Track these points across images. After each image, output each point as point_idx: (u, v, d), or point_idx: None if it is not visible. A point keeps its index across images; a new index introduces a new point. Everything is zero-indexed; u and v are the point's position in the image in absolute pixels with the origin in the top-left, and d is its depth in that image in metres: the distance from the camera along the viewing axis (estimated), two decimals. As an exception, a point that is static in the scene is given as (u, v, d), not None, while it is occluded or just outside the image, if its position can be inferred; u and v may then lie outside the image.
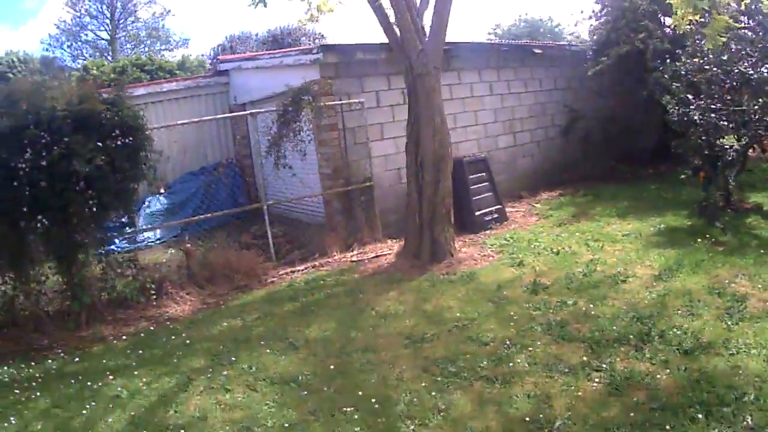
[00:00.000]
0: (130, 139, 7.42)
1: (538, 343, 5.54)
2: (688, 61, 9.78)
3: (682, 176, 9.72)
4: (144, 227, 11.42)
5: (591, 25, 14.21)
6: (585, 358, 5.13)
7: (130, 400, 5.27)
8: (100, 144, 7.08)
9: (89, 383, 5.66)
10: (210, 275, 8.35)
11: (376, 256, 8.85)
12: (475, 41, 12.97)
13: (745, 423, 3.98)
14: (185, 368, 5.84)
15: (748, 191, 10.23)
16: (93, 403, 5.24)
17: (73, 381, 5.76)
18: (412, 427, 4.42)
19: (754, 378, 4.49)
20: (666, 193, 11.22)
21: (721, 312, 5.78)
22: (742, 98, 9.13)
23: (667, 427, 4.04)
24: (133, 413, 5.03)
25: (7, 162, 6.64)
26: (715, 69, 9.27)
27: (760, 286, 6.33)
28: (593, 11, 14.04)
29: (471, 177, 9.98)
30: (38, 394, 5.54)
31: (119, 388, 5.48)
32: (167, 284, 8.08)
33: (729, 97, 9.16)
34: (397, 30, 8.32)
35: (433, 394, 4.84)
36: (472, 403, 4.66)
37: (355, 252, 9.17)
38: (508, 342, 5.60)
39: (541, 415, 4.37)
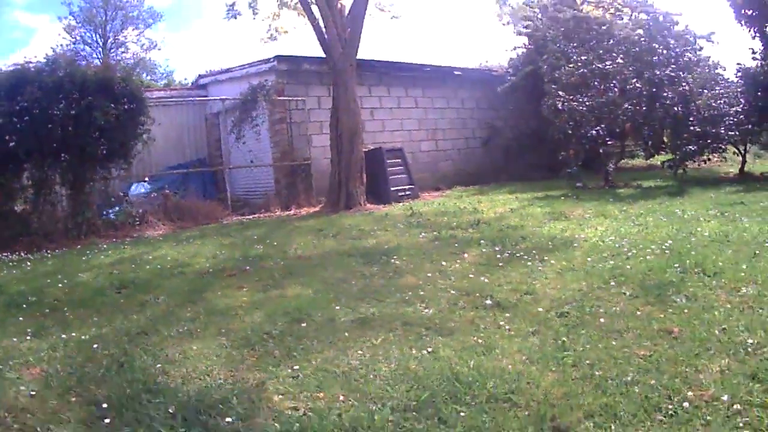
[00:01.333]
0: (134, 105, 9.83)
1: (397, 228, 7.74)
2: (566, 67, 12.33)
3: (560, 156, 11.99)
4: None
5: (512, 55, 16.86)
6: (425, 233, 7.30)
7: (115, 255, 7.52)
8: (113, 105, 9.39)
9: (87, 252, 7.89)
10: (181, 214, 10.70)
11: (308, 212, 11.04)
12: (402, 61, 15.41)
13: (516, 246, 5.96)
14: (156, 246, 8.01)
15: (640, 180, 12.27)
16: (88, 256, 7.47)
17: (74, 253, 7.97)
18: (293, 249, 6.69)
19: (545, 235, 6.54)
20: (558, 184, 12.89)
21: (545, 220, 7.86)
22: (605, 92, 11.60)
23: (457, 245, 6.19)
24: (117, 257, 7.29)
25: (47, 109, 8.88)
26: (583, 71, 11.82)
27: (589, 211, 8.31)
28: (521, 44, 16.65)
29: (388, 161, 12.24)
30: (48, 257, 7.81)
31: (108, 253, 7.70)
32: (148, 216, 10.39)
33: (600, 92, 11.59)
34: (325, 34, 10.79)
35: (315, 242, 7.10)
36: (336, 243, 6.92)
37: (292, 210, 11.37)
38: (376, 228, 7.81)
39: (378, 245, 6.55)
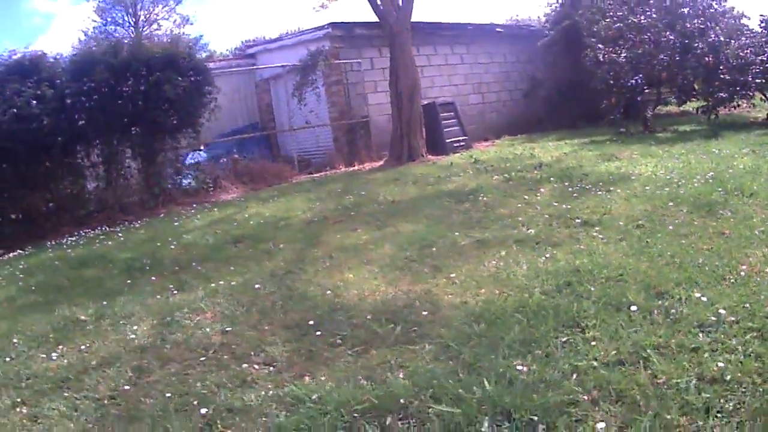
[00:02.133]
0: (199, 77, 10.64)
1: (467, 174, 8.83)
2: (603, 22, 13.11)
3: (603, 104, 12.87)
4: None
5: (548, 9, 17.56)
6: (495, 176, 8.37)
7: (207, 217, 8.39)
8: (180, 78, 10.20)
9: (175, 218, 8.75)
10: (250, 177, 11.65)
11: (371, 166, 12.12)
12: (447, 21, 16.29)
13: (582, 181, 7.00)
14: (243, 207, 8.99)
15: (676, 125, 13.06)
16: (180, 222, 8.35)
17: (162, 221, 8.80)
18: (382, 196, 7.79)
19: (601, 172, 7.60)
20: (607, 130, 13.48)
21: (599, 160, 8.86)
22: (641, 44, 12.38)
23: (530, 184, 7.23)
24: (210, 219, 8.20)
25: (115, 87, 9.68)
26: (619, 25, 12.60)
27: (636, 152, 9.31)
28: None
29: (442, 114, 13.23)
30: (137, 227, 8.62)
31: (198, 217, 8.57)
32: (220, 180, 11.35)
33: (636, 44, 12.38)
34: (380, 4, 11.67)
35: (398, 189, 8.22)
36: (418, 189, 8.04)
37: (356, 166, 12.46)
38: (448, 175, 8.91)
39: (459, 188, 7.65)
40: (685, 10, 12.76)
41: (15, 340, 4.04)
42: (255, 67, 16.63)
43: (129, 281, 5.32)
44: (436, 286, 4.04)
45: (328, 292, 4.17)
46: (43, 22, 65.40)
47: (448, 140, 13.03)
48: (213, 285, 4.72)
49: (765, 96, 13.11)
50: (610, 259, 4.03)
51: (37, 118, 9.02)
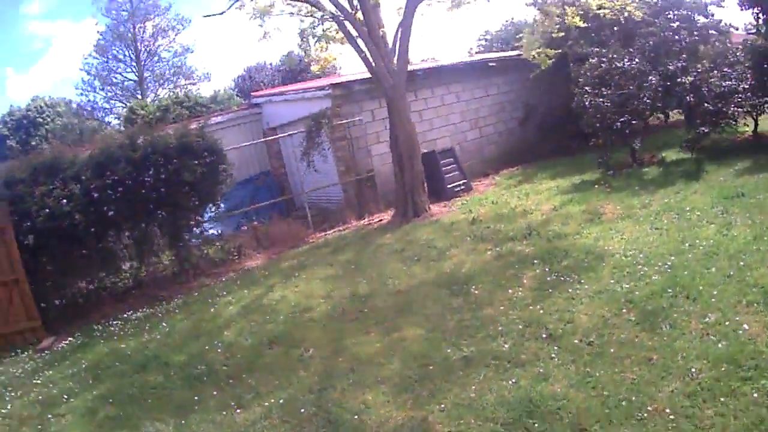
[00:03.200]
0: (214, 157, 11.74)
1: (465, 244, 9.85)
2: (589, 62, 14.00)
3: (591, 143, 13.81)
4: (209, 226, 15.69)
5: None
6: (489, 248, 9.41)
7: (238, 301, 9.48)
8: (196, 162, 11.34)
9: (209, 300, 9.86)
10: (271, 241, 12.80)
11: (380, 220, 13.24)
12: (440, 64, 17.26)
13: (560, 264, 8.05)
14: (268, 283, 10.14)
15: (664, 149, 13.99)
16: (216, 306, 9.46)
17: (198, 302, 9.95)
18: (390, 280, 8.84)
19: (581, 246, 8.58)
20: (594, 158, 14.42)
21: (583, 221, 9.89)
22: (626, 86, 13.24)
23: (516, 267, 8.27)
24: (242, 305, 9.27)
25: (137, 178, 10.81)
26: (604, 65, 13.49)
27: (618, 206, 10.36)
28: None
29: (442, 162, 14.30)
30: (176, 312, 9.70)
31: (230, 298, 9.72)
32: (244, 248, 12.52)
33: (622, 85, 13.23)
34: (373, 65, 12.67)
35: (404, 269, 9.27)
36: (422, 269, 9.09)
37: (365, 220, 13.56)
38: (449, 245, 9.96)
39: (455, 269, 8.71)
40: (674, 43, 13.60)
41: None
42: (271, 138, 17.68)
43: (194, 395, 6.39)
44: (432, 413, 5.09)
45: (355, 417, 5.27)
46: (43, 45, 66.84)
47: (449, 186, 14.12)
48: (266, 404, 5.81)
49: (752, 116, 13.59)
50: (556, 389, 5.04)
51: (68, 215, 10.07)
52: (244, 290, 10.03)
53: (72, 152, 11.61)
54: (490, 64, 17.62)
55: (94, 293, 11.13)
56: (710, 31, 17.80)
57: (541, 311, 6.71)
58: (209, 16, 48.36)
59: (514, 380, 5.36)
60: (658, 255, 7.59)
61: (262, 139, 17.07)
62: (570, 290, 7.12)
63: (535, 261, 8.33)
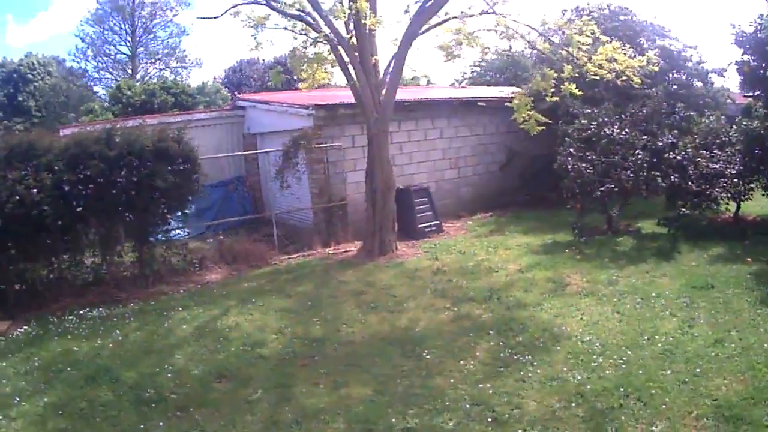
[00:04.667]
0: (188, 165, 11.44)
1: (425, 297, 9.65)
2: (578, 122, 13.88)
3: (568, 206, 13.71)
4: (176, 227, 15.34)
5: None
6: (448, 306, 9.22)
7: (192, 320, 9.29)
8: (170, 168, 11.05)
9: (164, 313, 9.68)
10: (234, 257, 12.54)
11: (346, 251, 13.00)
12: (429, 98, 17.07)
13: (516, 339, 7.86)
14: (224, 305, 9.90)
15: (642, 219, 13.89)
16: (169, 322, 9.26)
17: (153, 312, 9.77)
18: (344, 326, 8.62)
19: (539, 321, 8.43)
20: (570, 218, 14.32)
21: (546, 291, 9.73)
22: (611, 154, 13.14)
23: (471, 335, 8.09)
24: (196, 324, 9.08)
25: (110, 177, 10.52)
26: (592, 128, 13.39)
27: (584, 279, 10.21)
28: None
29: (416, 200, 14.11)
30: (131, 319, 9.51)
31: (185, 315, 9.52)
32: (206, 261, 12.27)
33: (607, 152, 13.12)
34: (363, 99, 12.46)
35: (360, 315, 9.04)
36: (377, 319, 8.87)
37: (332, 248, 13.32)
38: (408, 296, 9.75)
39: (410, 326, 8.50)
40: (668, 115, 13.65)
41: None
42: (250, 152, 17.39)
43: (142, 422, 6.21)
44: None
45: None
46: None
47: (420, 225, 13.93)
48: None
49: (737, 202, 13.38)
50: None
51: (38, 205, 9.89)
52: (200, 309, 9.80)
53: (49, 138, 11.32)
54: (480, 103, 17.50)
55: (54, 283, 10.93)
56: (706, 100, 17.97)
57: (491, 391, 6.50)
58: (203, 18, 47.67)
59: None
60: (615, 346, 7.45)
61: (240, 153, 16.78)
62: (522, 372, 6.93)
63: (491, 331, 8.15)
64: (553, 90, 13.47)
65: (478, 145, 17.66)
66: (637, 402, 6.07)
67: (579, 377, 6.71)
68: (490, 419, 5.92)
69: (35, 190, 9.94)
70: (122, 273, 11.62)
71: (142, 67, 46.57)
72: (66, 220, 10.35)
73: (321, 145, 14.12)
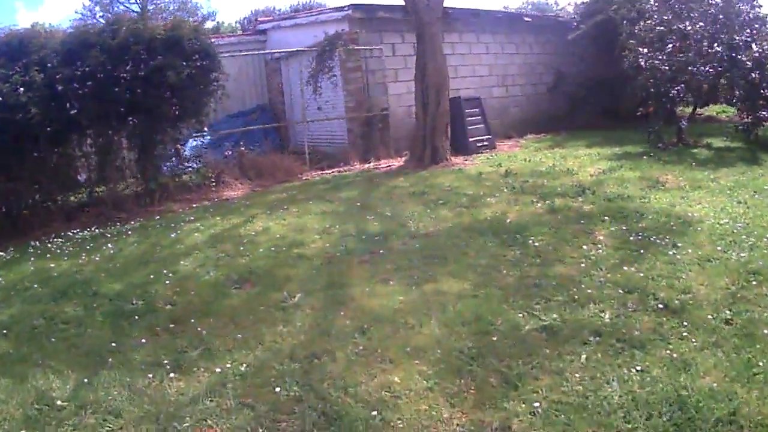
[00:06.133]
0: (206, 61, 9.67)
1: (503, 194, 7.98)
2: (644, 23, 12.17)
3: (638, 111, 12.01)
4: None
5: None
6: (534, 200, 7.55)
7: (208, 229, 7.44)
8: (184, 63, 9.25)
9: (172, 225, 7.82)
10: (258, 172, 10.77)
11: (389, 165, 11.28)
12: (474, 8, 15.25)
13: (639, 224, 6.25)
14: (248, 214, 8.07)
15: (706, 137, 12.05)
16: (177, 232, 7.39)
17: (157, 226, 7.89)
18: (412, 222, 6.94)
19: (655, 209, 6.81)
20: (634, 136, 12.63)
21: (644, 187, 8.09)
22: (685, 52, 11.47)
23: (582, 222, 6.44)
24: (211, 233, 7.25)
25: (112, 72, 8.77)
26: (660, 28, 11.67)
27: (680, 177, 8.59)
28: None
29: (467, 111, 12.37)
30: (129, 234, 7.62)
31: (197, 225, 7.69)
32: (224, 176, 10.46)
33: (677, 50, 11.47)
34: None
35: (428, 211, 7.35)
36: (453, 214, 7.17)
37: (372, 163, 11.60)
38: (481, 193, 8.08)
39: (498, 217, 6.83)
40: (734, 18, 11.87)
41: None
42: (265, 51, 15.55)
43: (114, 340, 4.41)
44: (516, 416, 3.12)
45: (374, 413, 3.22)
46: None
47: (471, 139, 12.26)
48: (218, 370, 3.81)
49: None
50: (713, 385, 3.25)
51: (24, 107, 8.07)
52: (217, 218, 8.04)
53: (43, 35, 9.43)
54: (526, 19, 15.68)
55: (41, 206, 9.09)
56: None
57: (641, 275, 4.88)
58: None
59: (639, 368, 3.50)
60: (759, 227, 5.93)
61: (265, 52, 14.76)
62: (668, 254, 5.32)
63: (605, 218, 6.51)
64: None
65: (524, 64, 15.86)
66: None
67: (740, 256, 5.17)
68: (660, 306, 4.29)
69: (21, 89, 8.15)
70: (123, 192, 9.73)
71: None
72: (57, 126, 8.57)
73: (359, 48, 12.31)
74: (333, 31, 12.45)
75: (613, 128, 14.43)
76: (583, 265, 5.18)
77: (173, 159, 10.50)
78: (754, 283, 4.57)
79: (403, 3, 11.05)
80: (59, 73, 8.53)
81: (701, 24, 11.65)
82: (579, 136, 13.88)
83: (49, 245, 7.41)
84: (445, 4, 11.13)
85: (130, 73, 8.85)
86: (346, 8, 12.59)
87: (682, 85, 11.25)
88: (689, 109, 14.71)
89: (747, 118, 11.45)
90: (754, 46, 11.19)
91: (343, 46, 11.77)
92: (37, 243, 7.59)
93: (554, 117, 15.74)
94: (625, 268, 5.02)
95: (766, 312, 4.10)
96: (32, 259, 6.80)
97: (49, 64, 8.63)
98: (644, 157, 10.34)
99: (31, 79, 8.30)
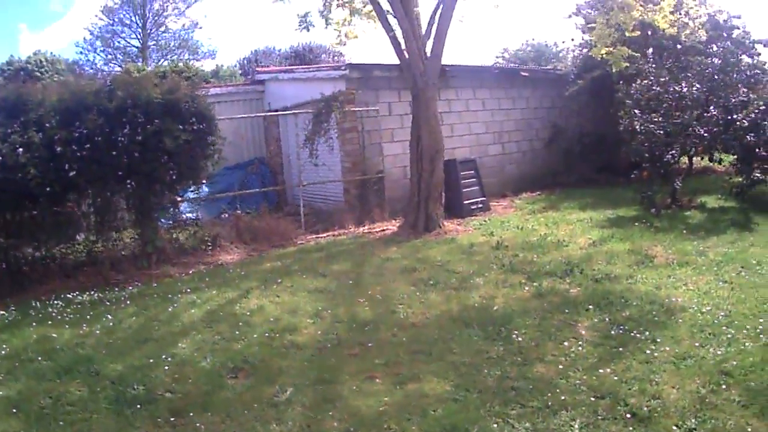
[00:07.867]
0: (203, 125, 9.81)
1: (492, 273, 8.09)
2: (640, 83, 12.40)
3: (633, 174, 12.17)
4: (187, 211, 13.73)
5: (573, 54, 16.89)
6: (523, 281, 7.66)
7: (204, 303, 7.58)
8: (181, 127, 9.38)
9: (169, 296, 7.95)
10: (253, 236, 10.93)
11: (383, 230, 11.43)
12: (471, 64, 15.59)
13: (622, 314, 6.30)
14: (243, 287, 8.23)
15: (700, 195, 12.38)
16: (175, 305, 7.52)
17: (155, 295, 8.02)
18: (401, 307, 7.02)
19: (640, 293, 6.88)
20: (628, 194, 12.98)
21: (632, 263, 8.19)
22: (681, 113, 11.65)
23: (566, 311, 6.53)
24: (208, 308, 7.38)
25: (110, 135, 8.91)
26: (656, 88, 11.89)
27: (670, 250, 8.68)
28: (582, 40, 16.66)
29: (462, 173, 12.56)
30: (127, 303, 7.76)
31: (194, 297, 7.82)
32: (220, 239, 10.61)
33: (673, 112, 11.67)
34: (406, 54, 10.93)
35: (418, 294, 7.45)
36: (442, 298, 7.26)
37: (366, 226, 11.75)
38: (471, 272, 8.18)
39: (485, 304, 6.92)
40: (733, 75, 12.12)
41: None
42: (261, 113, 15.85)
43: (119, 429, 4.57)
44: None
45: None
46: (60, 8, 65.62)
47: (466, 201, 12.44)
48: None
49: None
50: None
51: (23, 168, 8.29)
52: (213, 290, 8.16)
53: (41, 91, 9.53)
54: (523, 73, 15.97)
55: (41, 263, 9.38)
56: (755, 71, 16.43)
57: (614, 378, 4.96)
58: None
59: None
60: (741, 315, 6.02)
61: (263, 113, 15.06)
62: (645, 351, 5.40)
63: (589, 306, 6.60)
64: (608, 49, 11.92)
65: (521, 119, 16.14)
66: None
67: (716, 353, 5.24)
68: (628, 415, 4.36)
69: (21, 150, 8.35)
70: (120, 252, 9.93)
71: (153, 60, 45.16)
72: (56, 188, 8.75)
73: (356, 109, 12.56)
74: (329, 91, 12.73)
75: (608, 185, 14.63)
76: (561, 366, 5.24)
77: (170, 221, 10.71)
78: (723, 387, 4.62)
79: (399, 62, 11.27)
80: (57, 134, 8.65)
81: (697, 86, 11.86)
82: (573, 195, 14.06)
83: (50, 309, 7.62)
84: (443, 62, 11.35)
85: (127, 137, 8.96)
86: (343, 67, 12.90)
87: (677, 148, 11.40)
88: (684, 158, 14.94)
89: (742, 179, 11.61)
90: (750, 107, 11.36)
91: (338, 109, 12.01)
92: (38, 304, 7.79)
93: (550, 173, 15.95)
94: (601, 370, 5.08)
95: (730, 420, 4.15)
96: (34, 324, 7.05)
97: (47, 124, 8.74)
98: (636, 223, 10.47)
99: (30, 139, 8.48)
